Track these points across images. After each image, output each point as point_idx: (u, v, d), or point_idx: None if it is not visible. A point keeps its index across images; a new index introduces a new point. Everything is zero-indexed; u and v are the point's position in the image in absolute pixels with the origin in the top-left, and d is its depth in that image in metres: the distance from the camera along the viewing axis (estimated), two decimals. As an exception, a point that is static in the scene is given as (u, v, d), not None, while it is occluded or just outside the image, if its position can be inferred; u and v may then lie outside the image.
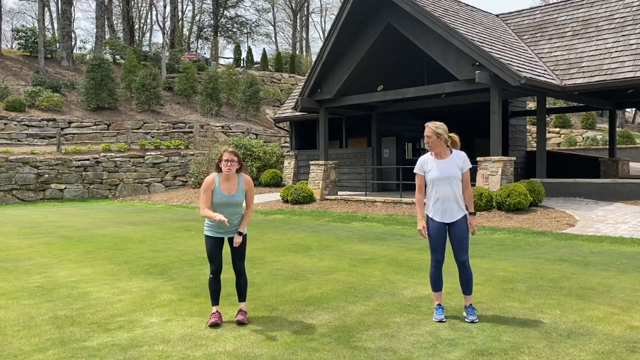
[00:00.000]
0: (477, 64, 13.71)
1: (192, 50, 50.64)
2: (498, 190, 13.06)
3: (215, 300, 5.04)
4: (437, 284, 5.05)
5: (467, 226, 5.01)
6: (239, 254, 5.04)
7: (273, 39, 64.23)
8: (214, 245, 4.99)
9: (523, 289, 6.11)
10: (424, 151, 21.95)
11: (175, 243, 10.29)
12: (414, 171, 5.16)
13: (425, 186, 5.09)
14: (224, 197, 4.93)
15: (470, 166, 5.19)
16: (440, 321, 4.92)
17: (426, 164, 5.05)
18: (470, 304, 4.99)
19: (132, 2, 48.65)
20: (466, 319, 4.90)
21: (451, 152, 5.03)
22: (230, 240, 5.03)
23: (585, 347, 4.21)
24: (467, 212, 5.03)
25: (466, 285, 5.00)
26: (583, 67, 15.03)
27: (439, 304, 5.04)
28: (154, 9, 57.85)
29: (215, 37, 52.26)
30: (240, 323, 4.93)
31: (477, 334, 4.58)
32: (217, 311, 4.99)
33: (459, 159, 5.00)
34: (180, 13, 51.94)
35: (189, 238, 10.94)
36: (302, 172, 22.56)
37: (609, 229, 10.56)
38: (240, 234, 4.97)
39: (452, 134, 5.03)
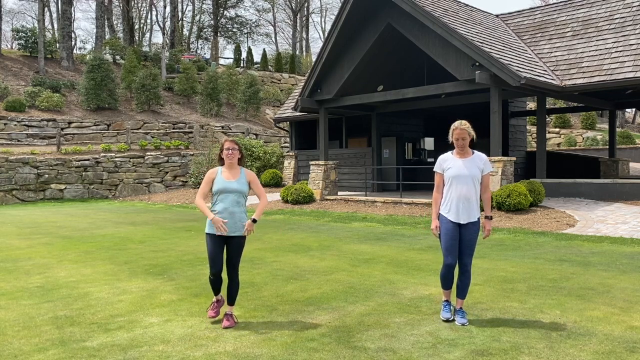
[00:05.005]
0: (477, 64, 13.71)
1: (192, 50, 50.63)
2: (498, 190, 13.06)
3: (216, 291, 5.13)
4: (447, 283, 5.00)
5: (478, 230, 4.95)
6: (234, 258, 4.96)
7: (273, 39, 64.28)
8: (214, 245, 4.90)
9: (523, 289, 6.11)
10: (424, 151, 21.94)
11: (175, 243, 10.29)
12: (434, 169, 5.10)
13: (444, 185, 5.03)
14: (224, 183, 4.93)
15: (491, 169, 5.16)
16: (447, 320, 4.91)
17: (445, 162, 4.99)
18: (461, 307, 4.98)
19: (132, 2, 48.65)
20: (456, 322, 4.88)
21: (473, 152, 4.99)
22: (230, 241, 4.96)
23: (585, 347, 4.21)
24: (479, 216, 4.97)
25: (462, 289, 4.99)
26: (583, 67, 15.03)
27: (447, 300, 5.03)
28: (154, 9, 57.88)
29: (215, 37, 52.26)
30: (227, 327, 4.86)
31: (477, 334, 4.58)
32: (217, 300, 5.14)
33: (481, 161, 4.95)
34: (180, 13, 51.95)
35: (189, 238, 10.94)
36: (302, 172, 22.56)
37: (609, 229, 10.56)
38: (254, 221, 4.94)
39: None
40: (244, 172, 5.07)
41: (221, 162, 5.07)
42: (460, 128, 4.89)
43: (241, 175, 5.02)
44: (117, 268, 7.85)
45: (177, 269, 7.71)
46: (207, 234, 4.96)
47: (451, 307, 5.04)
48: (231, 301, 5.03)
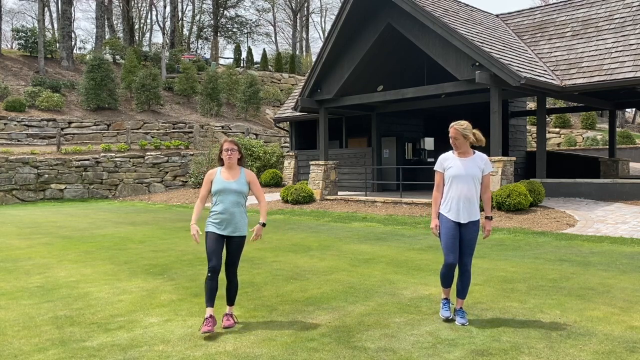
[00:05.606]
0: (477, 64, 13.71)
1: (192, 50, 50.63)
2: (498, 190, 13.06)
3: (210, 301, 4.79)
4: (447, 281, 4.97)
5: (478, 230, 4.95)
6: (233, 258, 4.93)
7: (273, 39, 64.28)
8: (214, 242, 4.85)
9: (523, 289, 6.11)
10: (424, 151, 21.94)
11: (175, 243, 10.29)
12: (434, 168, 5.10)
13: (444, 185, 5.02)
14: (223, 183, 4.89)
15: (492, 170, 5.15)
16: (447, 319, 4.89)
17: (446, 162, 4.98)
18: (461, 307, 4.97)
19: (132, 2, 48.65)
20: (456, 322, 4.87)
21: (474, 152, 4.99)
22: (230, 241, 4.94)
23: (585, 347, 4.21)
24: (479, 217, 4.96)
25: (462, 289, 4.98)
26: (583, 67, 15.03)
27: (447, 298, 5.01)
28: (154, 9, 57.90)
29: (215, 37, 52.26)
30: (227, 327, 4.83)
31: (477, 334, 4.58)
32: (210, 316, 4.72)
33: (481, 161, 4.95)
34: (180, 13, 51.94)
35: (189, 238, 10.94)
36: (302, 172, 22.56)
37: (609, 229, 10.56)
38: (263, 225, 4.97)
39: (475, 131, 4.95)
40: (244, 173, 5.03)
41: (221, 162, 5.03)
42: (454, 128, 4.90)
43: (241, 175, 4.99)
44: (117, 268, 7.85)
45: (177, 269, 7.71)
46: (207, 232, 4.93)
47: (450, 305, 5.03)
48: (230, 302, 5.00)
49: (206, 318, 4.70)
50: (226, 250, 4.96)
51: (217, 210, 4.90)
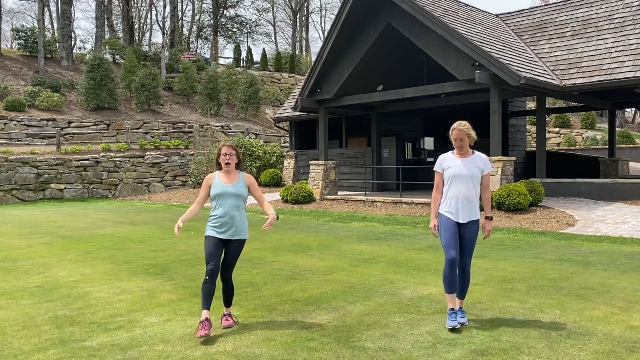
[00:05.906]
0: (477, 64, 13.71)
1: (192, 50, 50.63)
2: (498, 190, 13.06)
3: (206, 304, 4.71)
4: (451, 286, 4.86)
5: (478, 230, 4.94)
6: (231, 261, 4.92)
7: (273, 39, 64.28)
8: (213, 245, 4.84)
9: (523, 289, 6.11)
10: (424, 151, 21.93)
11: (175, 243, 10.29)
12: (434, 169, 5.10)
13: (443, 185, 5.02)
14: (222, 187, 4.89)
15: (492, 170, 5.15)
16: (454, 329, 4.70)
17: (445, 162, 4.99)
18: (461, 307, 4.94)
19: (132, 2, 48.64)
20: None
21: (474, 152, 5.00)
22: (230, 245, 4.93)
23: (585, 347, 4.21)
24: (479, 217, 4.95)
25: (462, 290, 4.96)
26: (583, 67, 15.03)
27: (453, 309, 4.84)
28: (154, 9, 57.87)
29: (215, 37, 52.26)
30: (227, 328, 4.84)
31: (477, 334, 4.57)
32: (206, 319, 4.65)
33: (481, 161, 4.96)
34: (180, 13, 51.93)
35: (189, 238, 10.94)
36: (302, 172, 22.56)
37: (609, 229, 10.56)
38: (277, 217, 4.97)
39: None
40: (243, 177, 5.03)
41: (219, 166, 5.02)
42: (459, 129, 4.91)
43: (240, 179, 4.99)
44: (117, 268, 7.85)
45: (177, 269, 7.71)
46: (206, 236, 4.92)
47: (457, 315, 4.86)
48: (228, 304, 5.00)
49: (202, 321, 4.65)
50: (225, 253, 4.95)
51: (217, 215, 4.89)
